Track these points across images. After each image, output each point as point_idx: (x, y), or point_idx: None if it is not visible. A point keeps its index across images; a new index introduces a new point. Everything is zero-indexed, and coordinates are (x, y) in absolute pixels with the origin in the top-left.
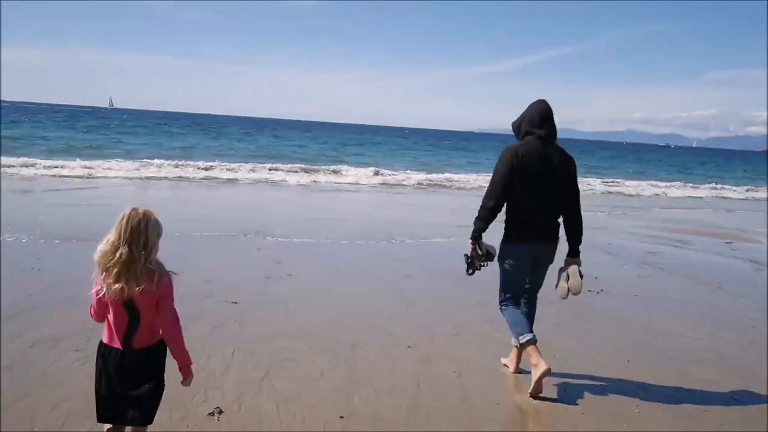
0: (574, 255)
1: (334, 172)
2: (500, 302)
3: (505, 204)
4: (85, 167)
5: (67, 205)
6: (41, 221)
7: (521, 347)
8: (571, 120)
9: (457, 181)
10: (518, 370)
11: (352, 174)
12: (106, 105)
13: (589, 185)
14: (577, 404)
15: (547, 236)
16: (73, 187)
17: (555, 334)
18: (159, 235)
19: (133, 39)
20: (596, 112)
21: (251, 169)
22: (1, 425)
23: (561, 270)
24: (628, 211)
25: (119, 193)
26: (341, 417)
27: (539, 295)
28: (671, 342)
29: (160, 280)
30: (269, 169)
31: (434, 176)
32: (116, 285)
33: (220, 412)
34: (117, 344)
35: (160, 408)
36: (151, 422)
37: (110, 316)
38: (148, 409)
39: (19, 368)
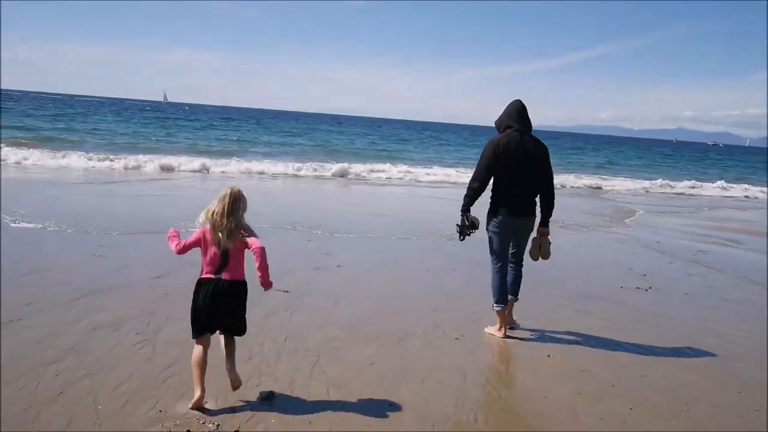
0: (544, 225)
1: (377, 170)
2: (492, 264)
3: (488, 184)
4: (146, 161)
5: (127, 198)
6: (101, 213)
7: (498, 313)
8: (619, 117)
9: None
10: (506, 335)
11: (416, 171)
12: (160, 99)
13: (644, 188)
14: (625, 400)
15: (525, 211)
16: (134, 180)
17: (603, 330)
18: (246, 207)
19: (185, 35)
20: (645, 110)
21: (300, 164)
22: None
23: (535, 239)
24: (677, 209)
25: (175, 188)
26: (390, 405)
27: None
28: (721, 340)
29: (248, 237)
30: (311, 167)
31: None
32: (219, 239)
33: (273, 396)
34: (211, 276)
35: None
36: (239, 334)
37: (208, 259)
38: (236, 324)
39: (82, 350)
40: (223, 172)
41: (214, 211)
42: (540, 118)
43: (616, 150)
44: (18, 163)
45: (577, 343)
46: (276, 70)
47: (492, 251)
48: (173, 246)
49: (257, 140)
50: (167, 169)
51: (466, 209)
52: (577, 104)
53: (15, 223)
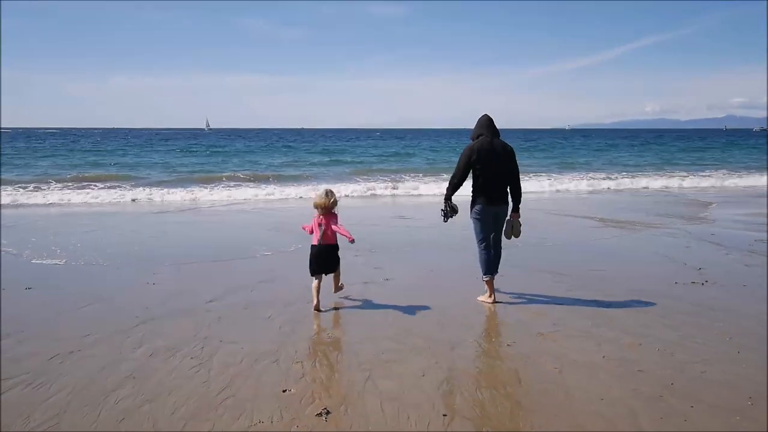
0: (515, 210)
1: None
2: (478, 244)
3: (465, 180)
4: (192, 193)
5: (177, 228)
6: (153, 244)
7: (486, 282)
8: (665, 110)
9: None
10: (495, 300)
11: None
12: (202, 126)
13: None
14: (685, 398)
15: (499, 200)
16: (182, 210)
17: (660, 327)
18: (336, 199)
19: (226, 59)
20: (692, 100)
21: (349, 183)
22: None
23: (507, 221)
24: (730, 200)
25: (221, 219)
26: (444, 415)
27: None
28: None
29: (335, 218)
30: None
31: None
32: (321, 216)
33: (328, 412)
34: (316, 242)
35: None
36: (335, 269)
37: (315, 231)
38: (336, 265)
39: (140, 376)
40: (268, 198)
41: (320, 200)
42: (583, 117)
43: (670, 144)
44: (66, 201)
45: (633, 342)
46: (310, 88)
47: (477, 234)
48: (308, 230)
49: (306, 160)
50: (215, 200)
51: (448, 198)
52: (621, 99)
53: (64, 260)
